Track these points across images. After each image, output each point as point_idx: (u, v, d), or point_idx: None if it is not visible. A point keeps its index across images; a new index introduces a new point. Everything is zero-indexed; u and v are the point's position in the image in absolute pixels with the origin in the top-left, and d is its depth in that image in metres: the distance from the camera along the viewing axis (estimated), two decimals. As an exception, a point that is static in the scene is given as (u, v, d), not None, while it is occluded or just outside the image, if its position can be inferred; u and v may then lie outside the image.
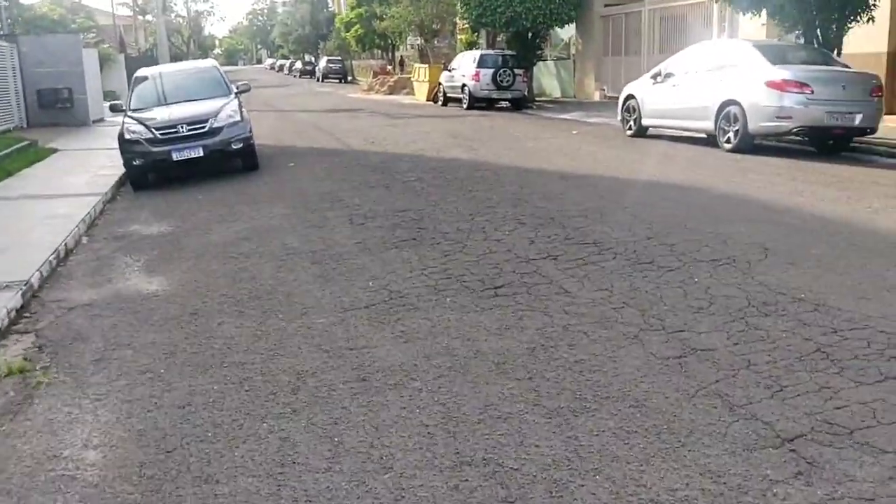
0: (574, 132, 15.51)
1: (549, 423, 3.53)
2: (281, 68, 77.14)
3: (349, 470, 3.28)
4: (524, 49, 24.31)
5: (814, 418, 3.45)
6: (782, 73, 10.83)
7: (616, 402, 3.72)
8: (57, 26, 32.22)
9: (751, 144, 11.39)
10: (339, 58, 55.28)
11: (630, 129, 14.22)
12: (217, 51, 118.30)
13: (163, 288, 6.29)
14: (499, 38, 27.28)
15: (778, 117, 10.76)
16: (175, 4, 79.18)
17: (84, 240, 8.37)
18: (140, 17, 62.33)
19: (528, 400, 3.78)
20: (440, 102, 25.74)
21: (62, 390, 4.44)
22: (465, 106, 23.33)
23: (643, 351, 4.28)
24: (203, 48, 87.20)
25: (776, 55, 11.38)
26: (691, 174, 9.87)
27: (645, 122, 13.78)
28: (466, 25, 30.38)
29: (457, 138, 14.99)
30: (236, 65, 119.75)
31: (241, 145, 11.51)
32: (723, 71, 11.78)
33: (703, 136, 13.21)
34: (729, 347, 4.26)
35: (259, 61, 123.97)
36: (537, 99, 25.46)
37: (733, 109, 11.38)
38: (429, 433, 3.54)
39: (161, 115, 11.54)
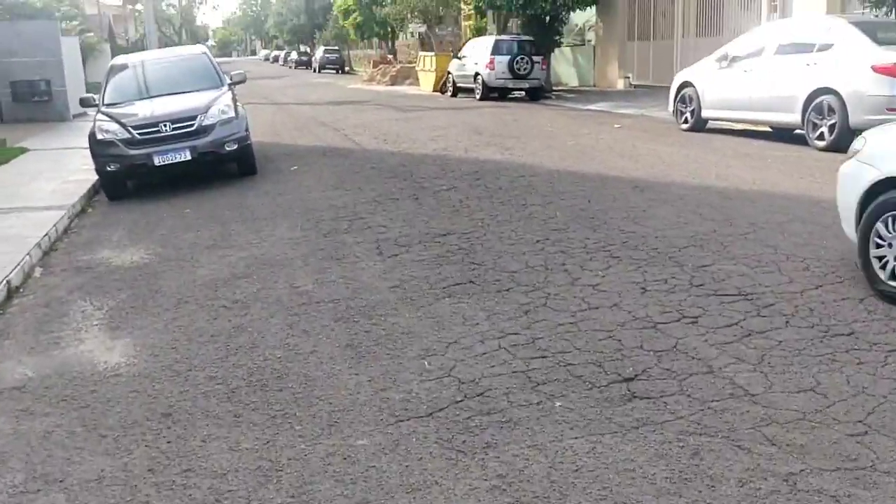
0: (616, 126, 13.54)
1: None
2: (276, 59, 75.01)
3: None
4: (541, 34, 22.26)
5: None
6: (893, 55, 8.90)
7: None
8: (40, 15, 30.19)
9: (850, 140, 9.43)
10: (337, 48, 53.59)
11: (686, 122, 12.23)
12: (210, 42, 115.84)
13: (127, 360, 4.47)
14: (509, 24, 25.25)
15: (889, 109, 8.83)
16: (166, -7, 76.55)
17: (37, 272, 6.63)
18: (130, 7, 59.91)
19: None
20: (449, 93, 23.87)
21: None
22: (477, 97, 21.42)
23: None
24: (195, 38, 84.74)
25: (878, 34, 9.44)
26: (801, 181, 7.88)
27: (705, 113, 11.79)
28: (471, 11, 28.37)
29: (482, 134, 13.06)
30: (230, 56, 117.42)
31: (235, 147, 9.61)
32: (812, 54, 9.80)
33: (769, 129, 11.34)
34: None
35: (253, 52, 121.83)
36: (555, 88, 23.50)
37: (828, 99, 9.43)
38: None
39: (141, 110, 9.70)
